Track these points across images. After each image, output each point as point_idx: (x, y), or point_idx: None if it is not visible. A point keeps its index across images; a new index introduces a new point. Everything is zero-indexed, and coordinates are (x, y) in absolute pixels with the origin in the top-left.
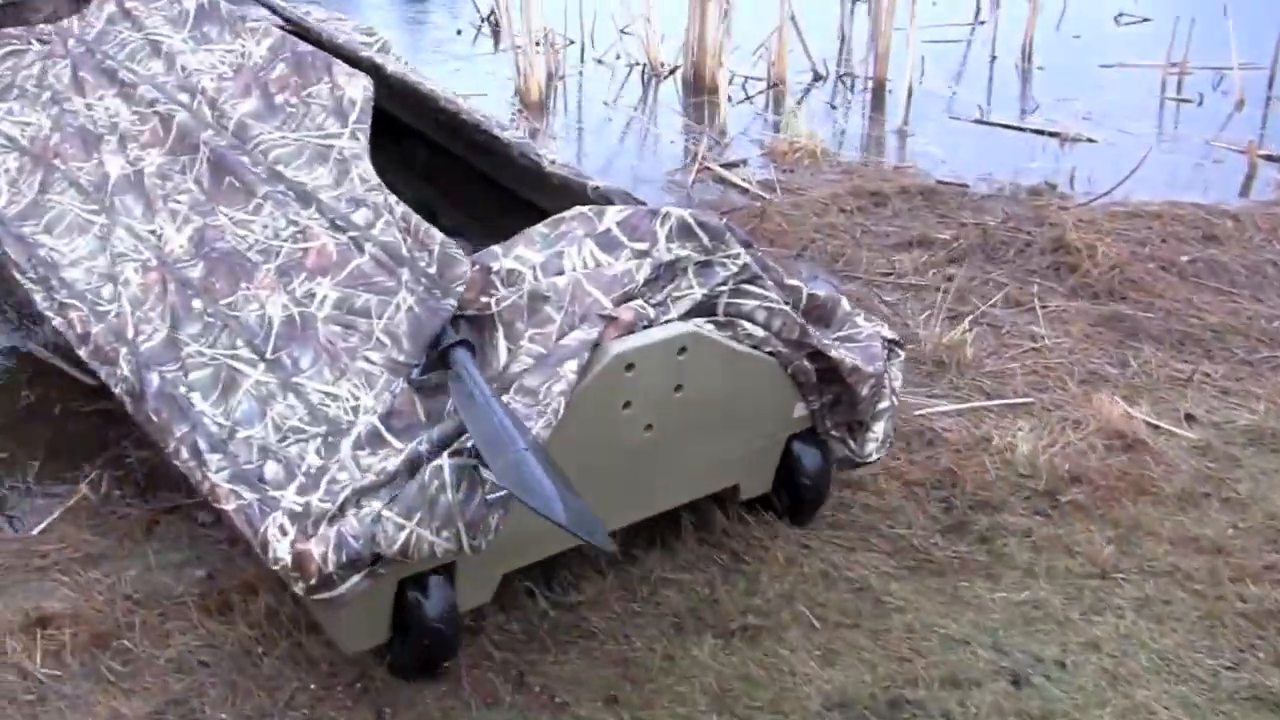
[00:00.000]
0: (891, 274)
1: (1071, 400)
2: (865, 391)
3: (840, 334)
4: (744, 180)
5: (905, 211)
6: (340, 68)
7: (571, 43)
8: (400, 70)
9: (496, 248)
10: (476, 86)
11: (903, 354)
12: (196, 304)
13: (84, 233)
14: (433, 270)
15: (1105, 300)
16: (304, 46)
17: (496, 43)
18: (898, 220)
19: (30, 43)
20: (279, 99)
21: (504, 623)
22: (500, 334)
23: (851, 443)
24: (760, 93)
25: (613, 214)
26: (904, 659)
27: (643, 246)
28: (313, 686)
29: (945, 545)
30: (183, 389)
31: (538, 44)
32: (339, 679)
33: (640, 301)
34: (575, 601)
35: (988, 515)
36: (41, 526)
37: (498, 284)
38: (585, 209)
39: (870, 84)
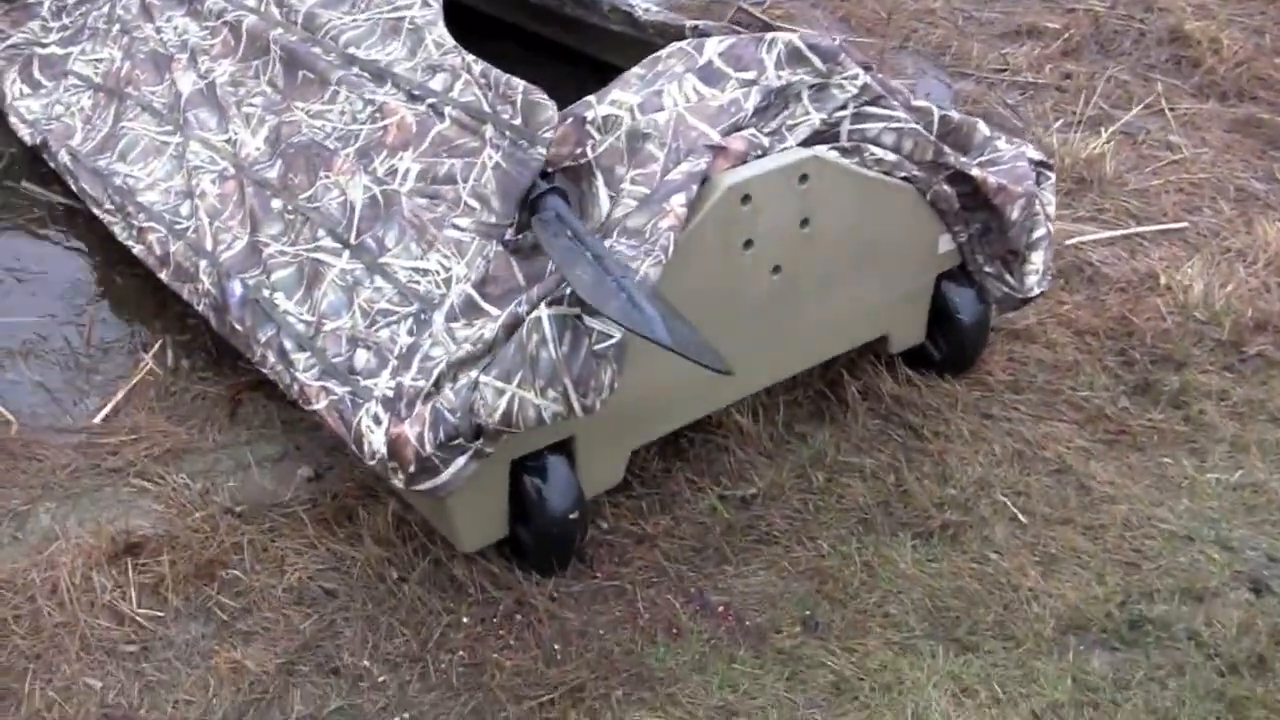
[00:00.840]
0: (1005, 70)
1: (1228, 225)
2: (1016, 215)
3: (983, 157)
4: None
5: None
6: None
7: None
8: None
9: (590, 97)
10: None
11: (1052, 176)
12: (275, 203)
13: (159, 155)
14: (518, 121)
15: (1236, 102)
16: None
17: None
18: (1000, 4)
19: None
20: None
21: (671, 527)
22: (600, 181)
23: (1009, 277)
24: None
25: (713, 45)
26: (1130, 564)
27: (750, 75)
28: (465, 620)
29: (1137, 412)
30: (266, 292)
31: None
32: (494, 608)
33: (751, 130)
34: (747, 496)
35: (1174, 373)
36: (105, 412)
37: (594, 132)
38: (684, 43)
39: None
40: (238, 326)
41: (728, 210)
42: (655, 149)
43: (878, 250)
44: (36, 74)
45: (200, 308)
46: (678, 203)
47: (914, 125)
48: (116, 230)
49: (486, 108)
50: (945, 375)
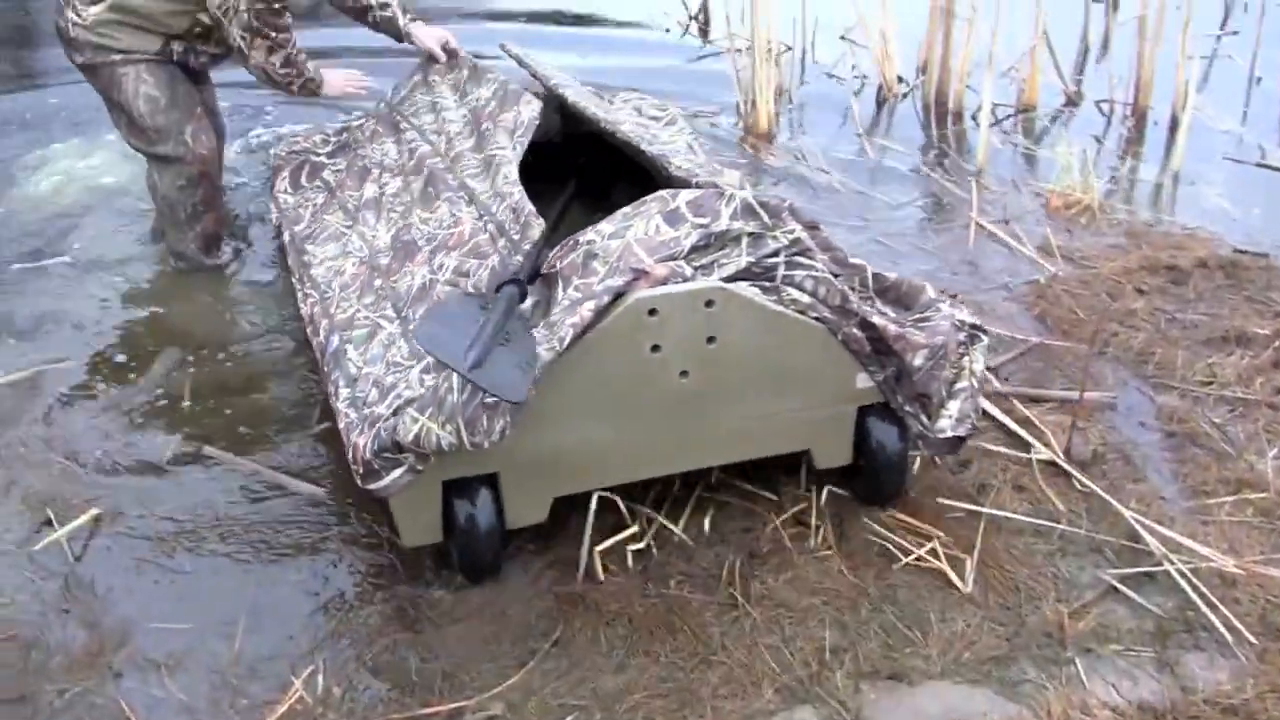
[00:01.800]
0: (1211, 383)
1: None
2: (918, 362)
3: (918, 316)
4: (1019, 242)
5: (1209, 293)
6: (526, 97)
7: (789, 49)
8: (577, 99)
9: (590, 227)
10: (694, 93)
11: (986, 339)
12: (377, 282)
13: (335, 240)
14: (517, 236)
15: None
16: (514, 85)
17: (705, 37)
18: (1203, 305)
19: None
20: (484, 127)
21: None
22: (560, 287)
23: (924, 418)
24: (1007, 117)
25: (685, 195)
26: None
27: (704, 221)
28: None
29: None
30: (346, 346)
31: (768, 51)
32: None
33: (680, 262)
34: None
35: None
36: None
37: (579, 247)
38: (666, 192)
39: (1130, 111)
40: (326, 370)
41: (635, 318)
42: (599, 266)
43: (790, 374)
44: (303, 179)
45: (318, 355)
46: (586, 308)
47: (828, 275)
48: (298, 295)
49: (506, 225)
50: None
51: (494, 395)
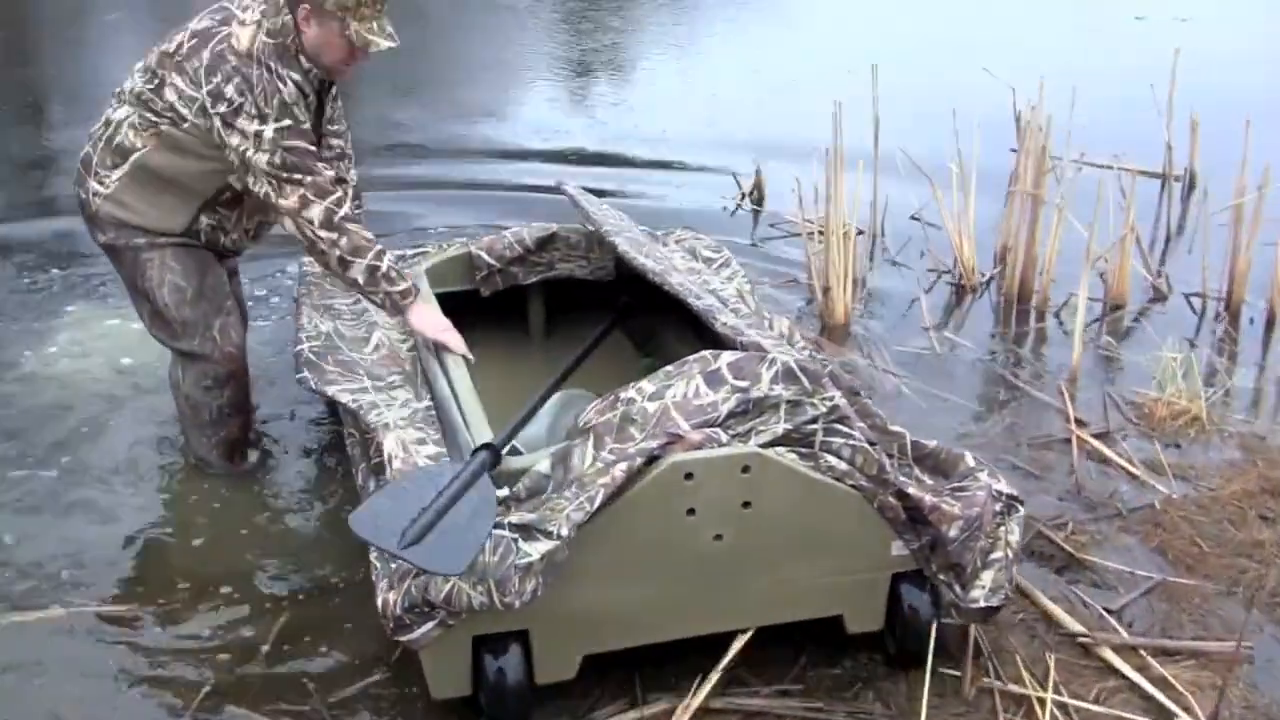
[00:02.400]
0: None
1: None
2: (953, 533)
3: (956, 485)
4: (1126, 460)
5: None
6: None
7: (860, 232)
8: (628, 249)
9: (631, 384)
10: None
11: (1022, 510)
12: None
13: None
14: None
15: None
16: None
17: (755, 222)
18: None
19: None
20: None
21: None
22: (590, 444)
23: (957, 588)
24: (1096, 320)
25: (727, 356)
26: None
27: (743, 384)
28: None
29: None
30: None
31: (844, 235)
32: None
33: (716, 429)
34: None
35: None
36: None
37: (617, 407)
38: (708, 352)
39: (1225, 307)
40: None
41: (671, 481)
42: (636, 431)
43: (825, 540)
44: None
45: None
46: (619, 469)
47: (865, 444)
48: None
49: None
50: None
51: (428, 571)
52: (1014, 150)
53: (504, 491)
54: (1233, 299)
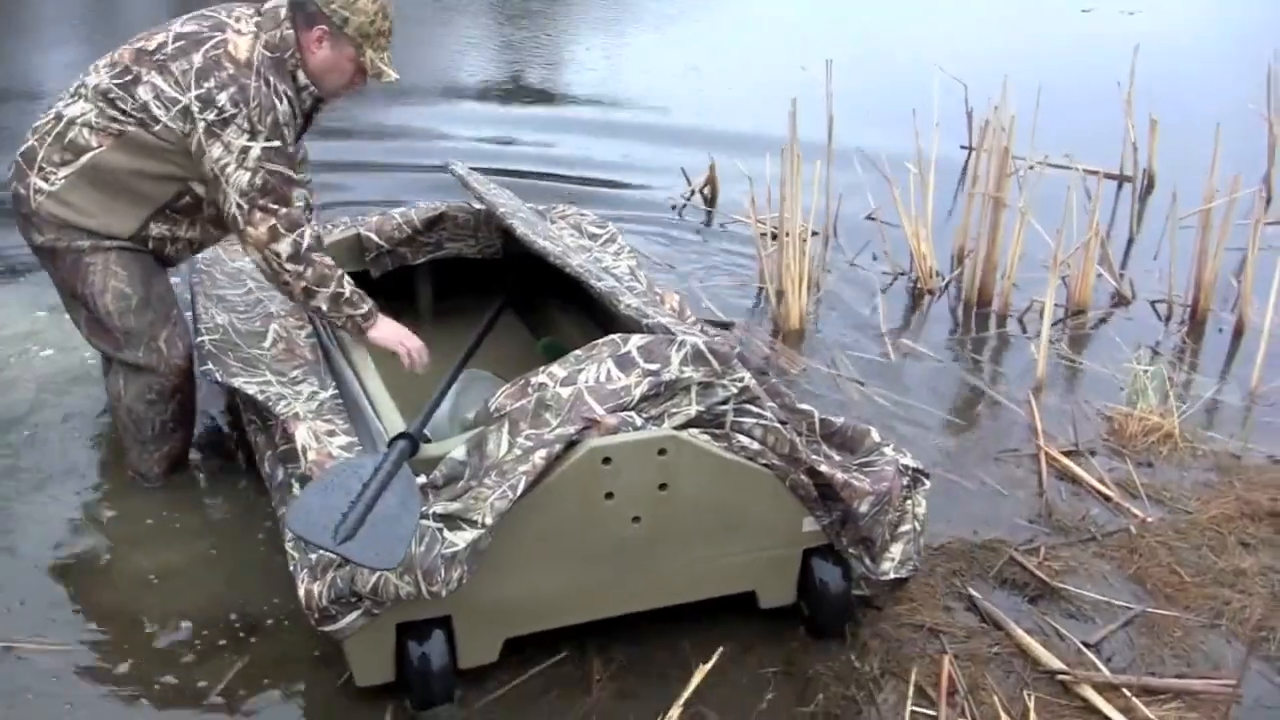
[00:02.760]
0: None
1: None
2: (864, 508)
3: (863, 460)
4: (1098, 480)
5: None
6: None
7: (814, 234)
8: (526, 231)
9: (541, 367)
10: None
11: (928, 483)
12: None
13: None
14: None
15: None
16: None
17: (709, 221)
18: None
19: None
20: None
21: None
22: (505, 430)
23: (867, 560)
24: (1059, 321)
25: (637, 339)
26: None
27: (654, 367)
28: None
29: None
30: (291, 480)
31: (800, 239)
32: None
33: (631, 413)
34: None
35: None
36: None
37: (530, 393)
38: (618, 336)
39: (1190, 315)
40: (274, 502)
41: (590, 466)
42: (551, 417)
43: (740, 519)
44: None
45: (268, 484)
46: (539, 456)
47: (777, 424)
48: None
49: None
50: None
51: (365, 566)
52: (964, 147)
53: (421, 479)
54: (1199, 307)
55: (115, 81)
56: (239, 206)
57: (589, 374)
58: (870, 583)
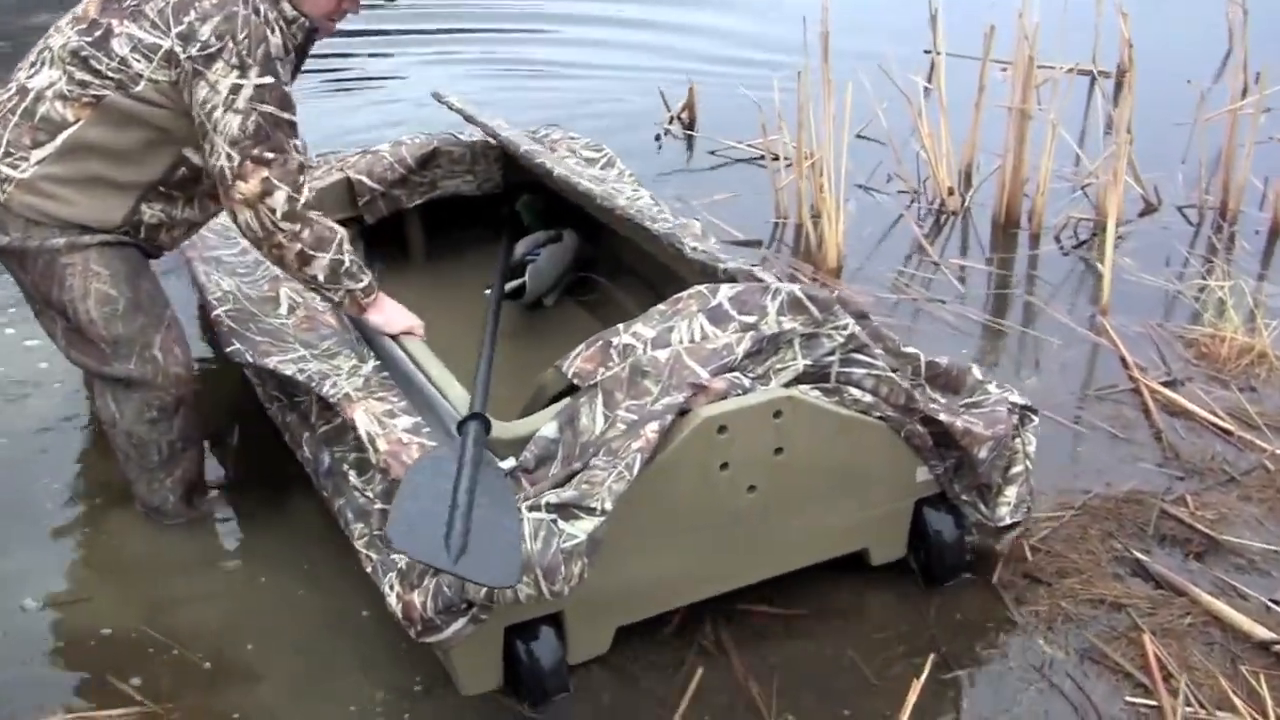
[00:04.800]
0: None
1: None
2: (983, 454)
3: (969, 400)
4: (1209, 413)
5: None
6: None
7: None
8: (567, 173)
9: (620, 325)
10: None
11: (1036, 419)
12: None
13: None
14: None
15: None
16: None
17: (690, 148)
18: None
19: None
20: None
21: None
22: (600, 402)
23: (983, 506)
24: (1087, 241)
25: (726, 290)
26: None
27: (750, 319)
28: None
29: None
30: (345, 467)
31: (810, 165)
32: None
33: (736, 373)
34: None
35: None
36: None
37: (614, 356)
38: (704, 287)
39: (1221, 218)
40: (323, 491)
41: (705, 437)
42: (651, 384)
43: (854, 476)
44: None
45: (307, 468)
46: (651, 429)
47: (889, 373)
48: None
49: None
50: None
51: (488, 585)
52: (928, 52)
53: (510, 463)
54: (1228, 210)
55: (84, 39)
56: (228, 157)
57: (681, 332)
58: (985, 529)
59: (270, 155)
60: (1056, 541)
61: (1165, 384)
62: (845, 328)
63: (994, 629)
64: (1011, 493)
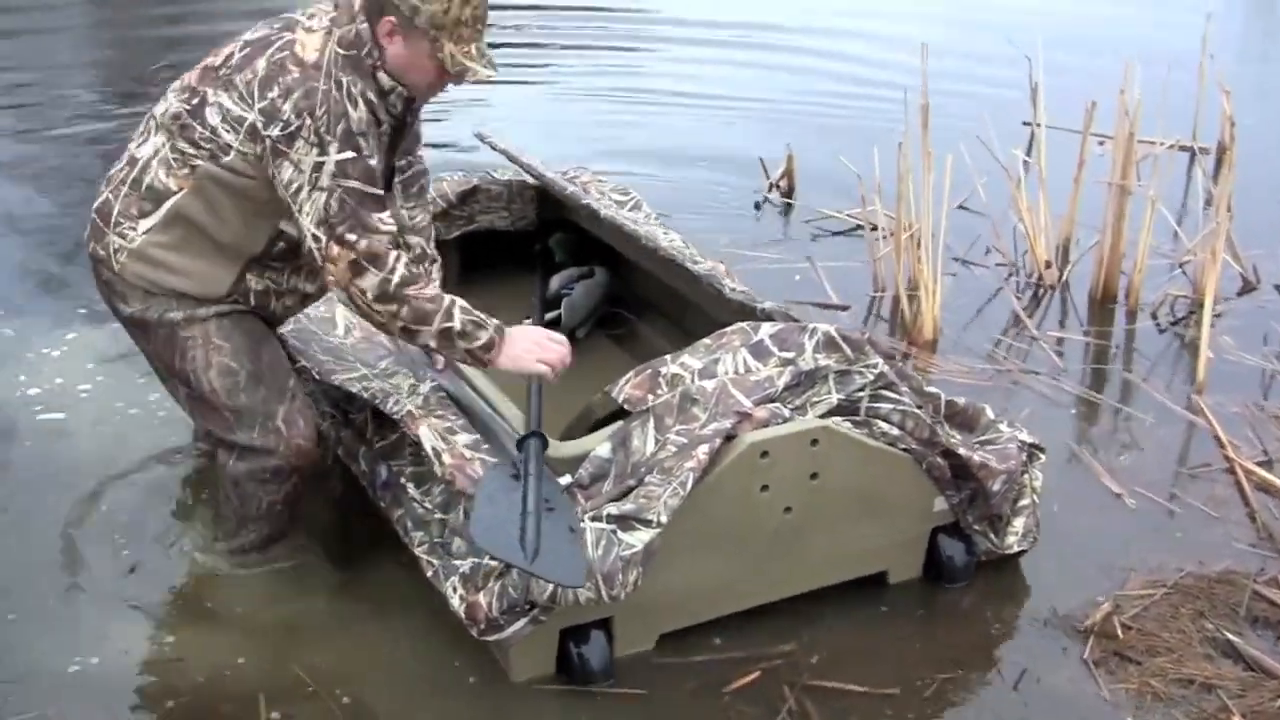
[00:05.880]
0: None
1: None
2: (996, 487)
3: (983, 438)
4: None
5: None
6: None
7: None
8: (612, 214)
9: (668, 356)
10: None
11: (1043, 456)
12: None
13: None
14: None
15: None
16: None
17: (787, 216)
18: None
19: None
20: None
21: None
22: (651, 426)
23: (993, 535)
24: (1185, 319)
25: (768, 328)
26: None
27: (789, 355)
28: None
29: None
30: (403, 480)
31: (910, 237)
32: None
33: (777, 405)
34: None
35: None
36: None
37: (662, 384)
38: (746, 324)
39: None
40: (381, 501)
41: (749, 460)
42: (699, 411)
43: (879, 503)
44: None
45: (364, 485)
46: (702, 451)
47: (915, 409)
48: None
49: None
50: None
51: (559, 584)
52: (1027, 124)
53: (566, 479)
54: None
55: (184, 106)
56: (314, 238)
57: (726, 364)
58: (993, 556)
59: (354, 235)
60: (1148, 620)
61: (1261, 464)
62: (875, 366)
63: (1083, 706)
64: (1019, 523)
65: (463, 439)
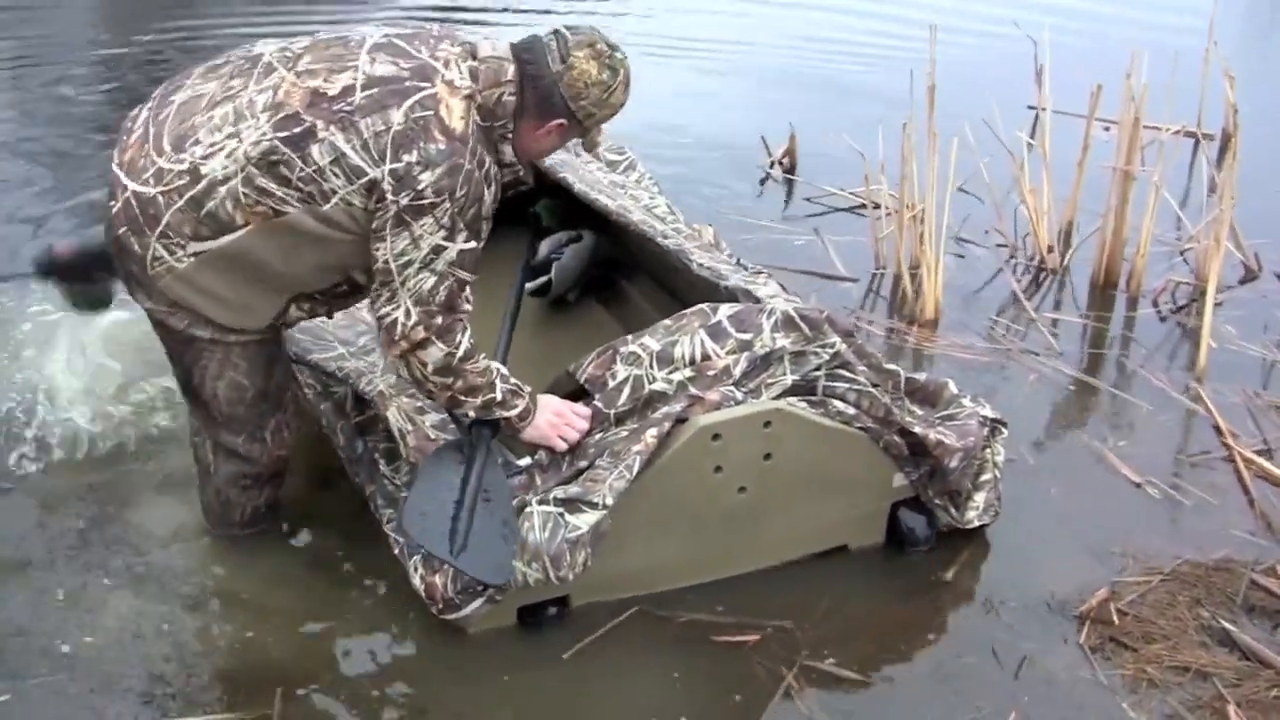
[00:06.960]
0: None
1: None
2: (953, 464)
3: (944, 413)
4: None
5: None
6: None
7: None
8: (586, 189)
9: (628, 336)
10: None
11: (1005, 431)
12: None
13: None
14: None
15: None
16: None
17: (789, 196)
18: None
19: None
20: None
21: None
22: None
23: (953, 510)
24: (1185, 306)
25: (726, 309)
26: None
27: (746, 337)
28: None
29: None
30: (375, 457)
31: (913, 218)
32: None
33: (730, 387)
34: None
35: None
36: None
37: (619, 363)
38: (705, 305)
39: None
40: (356, 476)
41: (700, 444)
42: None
43: (836, 481)
44: None
45: (341, 455)
46: (650, 435)
47: (870, 388)
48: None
49: None
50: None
51: (480, 581)
52: (1032, 108)
53: (526, 460)
54: None
55: (280, 136)
56: (407, 314)
57: (684, 347)
58: (955, 530)
59: (442, 319)
60: (1144, 606)
61: (1260, 453)
62: (832, 346)
63: (1079, 691)
64: (980, 498)
65: (431, 419)
